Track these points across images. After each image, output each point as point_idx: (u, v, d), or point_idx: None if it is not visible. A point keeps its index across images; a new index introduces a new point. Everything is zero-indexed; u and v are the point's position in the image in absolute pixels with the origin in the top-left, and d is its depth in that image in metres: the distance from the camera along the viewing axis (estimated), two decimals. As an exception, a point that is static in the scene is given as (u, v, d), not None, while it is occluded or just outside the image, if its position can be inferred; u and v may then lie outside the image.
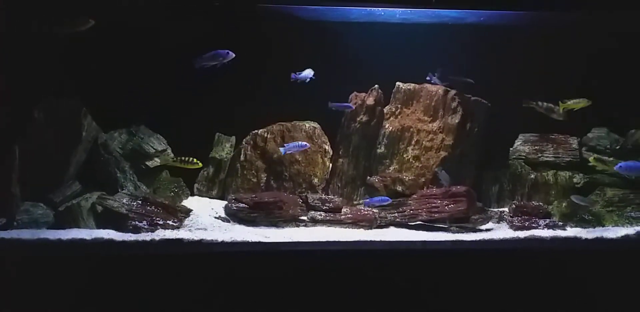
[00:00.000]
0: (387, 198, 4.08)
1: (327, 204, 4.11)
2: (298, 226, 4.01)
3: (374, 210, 4.10)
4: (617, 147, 4.62)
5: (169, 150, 4.32)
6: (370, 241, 3.69)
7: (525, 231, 3.84)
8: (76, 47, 4.06)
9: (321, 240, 3.66)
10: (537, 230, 3.90)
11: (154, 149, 4.24)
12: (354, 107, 4.47)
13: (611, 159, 4.54)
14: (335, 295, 3.39)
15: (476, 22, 4.42)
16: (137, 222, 3.64)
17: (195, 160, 4.15)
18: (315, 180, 4.50)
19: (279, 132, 4.55)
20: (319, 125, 4.62)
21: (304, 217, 4.08)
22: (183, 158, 4.15)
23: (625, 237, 3.76)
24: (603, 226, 4.10)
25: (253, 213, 3.94)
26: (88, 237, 3.44)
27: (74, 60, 4.12)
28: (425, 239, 3.74)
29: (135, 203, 3.76)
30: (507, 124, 4.69)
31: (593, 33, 4.53)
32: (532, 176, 4.57)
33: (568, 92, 4.57)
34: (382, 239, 3.71)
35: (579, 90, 4.57)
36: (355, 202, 4.45)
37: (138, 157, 4.21)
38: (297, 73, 4.17)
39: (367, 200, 4.15)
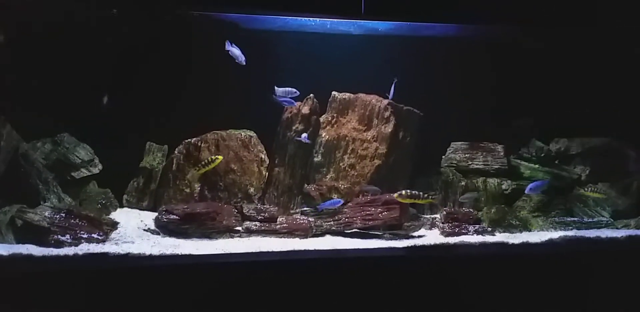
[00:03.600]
0: (339, 200, 4.08)
1: (262, 214, 4.05)
2: (232, 236, 3.93)
3: (310, 219, 4.08)
4: (542, 155, 4.83)
5: (96, 160, 4.17)
6: (305, 250, 3.67)
7: (455, 237, 3.93)
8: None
9: (254, 251, 3.60)
10: (466, 236, 3.99)
11: (80, 159, 4.09)
12: (296, 104, 4.43)
13: (537, 166, 4.78)
14: (270, 307, 3.34)
15: (405, 34, 4.54)
16: (59, 236, 3.46)
17: (214, 157, 4.06)
18: (251, 189, 4.45)
19: (214, 141, 4.47)
20: (255, 134, 4.58)
21: (239, 228, 4.01)
22: (203, 163, 4.06)
23: (549, 241, 3.93)
24: (529, 230, 4.26)
25: (184, 225, 3.83)
26: (5, 253, 3.23)
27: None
28: (359, 247, 3.75)
29: (58, 216, 3.57)
30: (439, 132, 4.83)
31: (519, 44, 4.75)
32: (463, 183, 4.69)
33: (496, 101, 4.76)
34: (317, 248, 3.70)
35: (509, 99, 4.78)
36: (292, 211, 4.43)
37: (63, 167, 4.04)
38: (232, 45, 4.02)
39: (320, 205, 4.11)
